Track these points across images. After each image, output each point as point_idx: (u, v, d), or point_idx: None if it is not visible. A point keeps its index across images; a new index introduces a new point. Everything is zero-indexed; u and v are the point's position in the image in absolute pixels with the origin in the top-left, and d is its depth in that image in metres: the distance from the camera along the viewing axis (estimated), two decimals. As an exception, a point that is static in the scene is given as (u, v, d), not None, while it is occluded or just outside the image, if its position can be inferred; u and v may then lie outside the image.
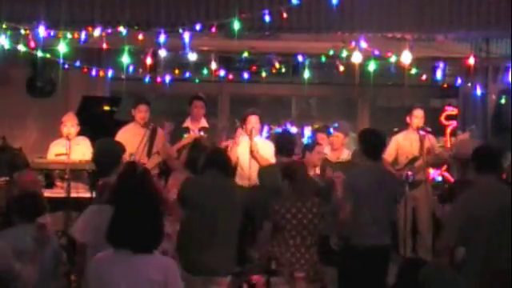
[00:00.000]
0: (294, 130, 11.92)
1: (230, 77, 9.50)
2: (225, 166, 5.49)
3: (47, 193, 7.02)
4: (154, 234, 3.58)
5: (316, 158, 7.49)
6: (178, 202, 5.41)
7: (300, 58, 8.98)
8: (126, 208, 3.63)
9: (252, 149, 7.52)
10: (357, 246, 5.59)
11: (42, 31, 7.31)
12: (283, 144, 6.94)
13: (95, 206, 4.70)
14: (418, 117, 7.96)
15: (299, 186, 5.60)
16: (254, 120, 7.72)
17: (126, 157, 7.30)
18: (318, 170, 7.62)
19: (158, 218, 3.61)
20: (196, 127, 8.01)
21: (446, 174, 9.74)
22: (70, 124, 7.71)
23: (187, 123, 8.12)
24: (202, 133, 7.77)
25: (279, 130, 11.76)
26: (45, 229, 5.23)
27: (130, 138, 7.61)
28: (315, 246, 5.58)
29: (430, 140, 7.91)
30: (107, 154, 5.46)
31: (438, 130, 9.85)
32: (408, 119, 8.04)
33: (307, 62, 9.08)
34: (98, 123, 8.58)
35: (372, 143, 5.80)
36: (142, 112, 7.78)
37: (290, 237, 5.48)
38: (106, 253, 3.64)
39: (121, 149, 5.66)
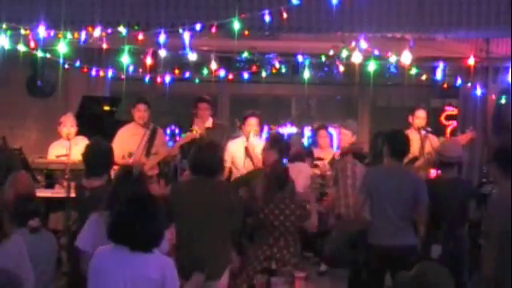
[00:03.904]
0: (293, 129, 11.96)
1: (230, 77, 9.49)
2: (210, 167, 5.38)
3: (47, 193, 7.03)
4: (152, 234, 3.60)
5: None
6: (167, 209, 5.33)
7: (300, 58, 8.96)
8: (126, 208, 3.65)
9: (247, 147, 7.56)
10: (373, 246, 5.65)
11: (42, 31, 7.31)
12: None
13: (96, 214, 4.63)
14: (420, 117, 7.97)
15: (270, 187, 5.61)
16: (253, 122, 7.75)
17: (125, 156, 7.35)
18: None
19: (157, 219, 3.62)
20: (201, 128, 8.03)
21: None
22: (70, 124, 7.71)
23: (194, 126, 8.15)
24: (194, 132, 7.76)
25: (279, 130, 11.80)
26: (38, 231, 5.23)
27: (129, 137, 7.63)
28: (290, 247, 5.58)
29: (431, 140, 7.91)
30: (98, 155, 5.42)
31: (438, 130, 9.85)
32: (410, 119, 8.05)
33: (307, 62, 9.07)
34: (98, 123, 8.58)
35: (401, 144, 5.85)
36: (141, 111, 7.75)
37: (263, 236, 5.55)
38: (105, 248, 3.67)
39: (111, 152, 5.61)
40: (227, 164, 7.66)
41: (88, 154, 5.39)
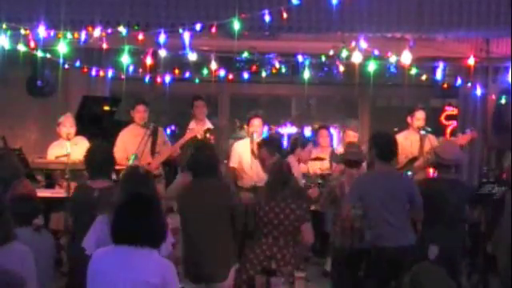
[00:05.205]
0: (293, 129, 11.96)
1: (230, 77, 9.49)
2: (210, 168, 5.39)
3: (47, 193, 7.03)
4: (151, 233, 3.58)
5: (307, 156, 7.67)
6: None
7: (300, 58, 8.96)
8: (124, 208, 3.64)
9: (254, 150, 7.52)
10: (378, 247, 5.65)
11: (42, 31, 7.32)
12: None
13: (102, 216, 4.62)
14: (419, 118, 7.96)
15: (272, 185, 5.61)
16: (257, 123, 7.72)
17: (129, 158, 7.34)
18: (326, 164, 7.86)
19: (156, 219, 3.61)
20: (201, 128, 8.03)
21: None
22: (69, 124, 7.70)
23: (192, 125, 8.15)
24: (206, 134, 7.75)
25: (279, 130, 11.81)
26: (41, 230, 5.23)
27: (132, 139, 7.64)
28: (289, 247, 5.50)
29: (431, 140, 7.91)
30: (102, 156, 5.42)
31: (438, 130, 9.85)
32: (409, 119, 8.04)
33: (307, 62, 9.07)
34: (98, 123, 8.58)
35: (386, 146, 5.83)
36: (140, 112, 7.78)
37: (263, 235, 5.49)
38: (103, 250, 3.66)
39: (112, 153, 5.61)
40: (233, 164, 7.67)
41: (91, 155, 5.39)
